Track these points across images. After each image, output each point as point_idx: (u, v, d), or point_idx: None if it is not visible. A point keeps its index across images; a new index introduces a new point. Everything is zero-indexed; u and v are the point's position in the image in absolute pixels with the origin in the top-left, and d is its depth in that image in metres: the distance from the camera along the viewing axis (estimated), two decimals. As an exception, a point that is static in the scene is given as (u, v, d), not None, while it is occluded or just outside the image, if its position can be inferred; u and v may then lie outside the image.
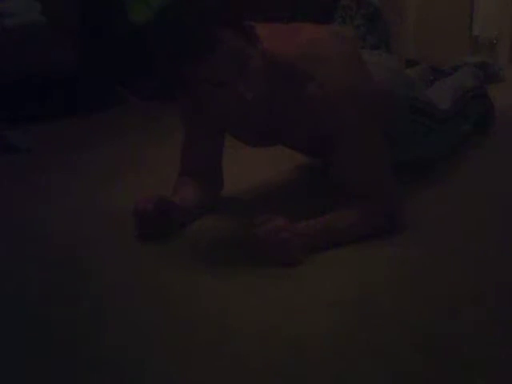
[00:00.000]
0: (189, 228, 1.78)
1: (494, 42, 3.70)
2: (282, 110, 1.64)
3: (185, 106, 1.80)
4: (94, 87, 3.12)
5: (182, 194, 1.80)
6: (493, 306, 1.38)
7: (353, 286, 1.48)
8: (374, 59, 1.91)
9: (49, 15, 2.85)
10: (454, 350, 1.23)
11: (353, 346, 1.25)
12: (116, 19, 3.18)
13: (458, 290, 1.45)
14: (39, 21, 2.83)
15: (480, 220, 1.80)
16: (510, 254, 1.61)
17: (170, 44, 1.49)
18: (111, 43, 3.18)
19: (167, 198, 1.74)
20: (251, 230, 1.55)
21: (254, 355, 1.23)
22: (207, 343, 1.27)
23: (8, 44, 2.76)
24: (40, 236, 1.77)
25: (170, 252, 1.66)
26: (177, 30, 1.48)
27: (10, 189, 2.14)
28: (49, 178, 2.22)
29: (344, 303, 1.40)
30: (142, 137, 2.68)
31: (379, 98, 1.72)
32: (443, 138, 2.13)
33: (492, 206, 1.88)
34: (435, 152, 2.13)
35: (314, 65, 1.61)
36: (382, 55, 2.30)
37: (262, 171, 2.16)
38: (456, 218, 1.81)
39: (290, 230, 1.56)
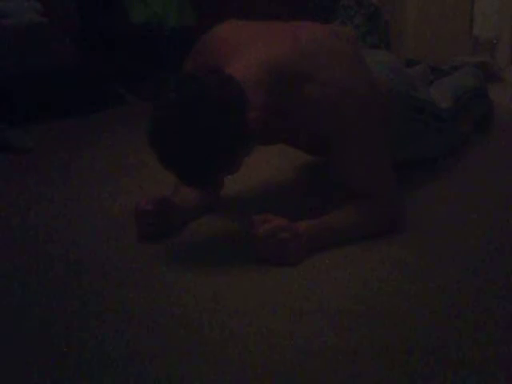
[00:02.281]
0: (189, 228, 1.78)
1: (494, 41, 3.70)
2: (283, 110, 1.64)
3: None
4: (93, 87, 3.12)
5: (182, 194, 1.80)
6: (493, 306, 1.38)
7: (352, 286, 1.48)
8: (375, 57, 1.91)
9: (49, 15, 2.85)
10: (454, 350, 1.23)
11: (352, 346, 1.25)
12: (116, 19, 3.18)
13: (457, 289, 1.45)
14: (39, 21, 2.83)
15: (480, 220, 1.80)
16: (510, 253, 1.61)
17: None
18: (111, 43, 3.18)
19: (167, 198, 1.74)
20: (251, 230, 1.55)
21: (253, 355, 1.23)
22: (207, 343, 1.27)
23: (8, 44, 2.76)
24: (40, 236, 1.77)
25: (169, 252, 1.66)
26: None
27: (10, 189, 2.14)
28: (49, 177, 2.22)
29: (344, 303, 1.40)
30: (141, 137, 2.67)
31: (379, 97, 1.72)
32: (443, 137, 2.13)
33: (492, 205, 1.88)
34: (435, 151, 2.13)
35: (313, 65, 1.61)
36: (383, 53, 2.30)
37: (262, 171, 2.16)
38: (456, 218, 1.81)
39: (290, 230, 1.55)
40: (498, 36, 3.70)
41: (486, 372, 1.17)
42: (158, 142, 1.51)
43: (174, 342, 1.28)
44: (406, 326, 1.32)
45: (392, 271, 1.54)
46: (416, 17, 3.67)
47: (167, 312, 1.39)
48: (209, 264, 1.59)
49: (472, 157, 2.27)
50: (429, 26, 3.63)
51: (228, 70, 1.56)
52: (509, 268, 1.54)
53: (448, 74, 2.53)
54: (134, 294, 1.47)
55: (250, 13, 1.90)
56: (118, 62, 3.21)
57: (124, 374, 1.19)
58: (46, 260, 1.63)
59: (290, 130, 1.72)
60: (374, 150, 1.67)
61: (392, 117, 1.84)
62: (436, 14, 3.65)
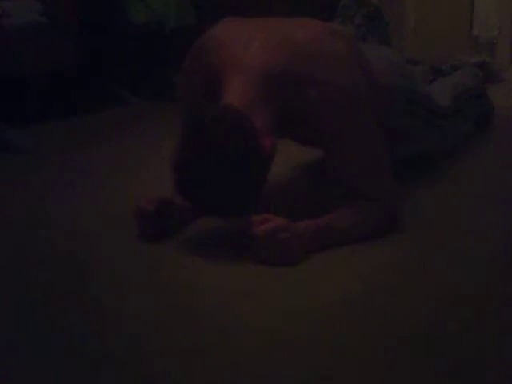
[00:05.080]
0: (189, 228, 1.78)
1: (494, 41, 3.71)
2: (285, 114, 1.64)
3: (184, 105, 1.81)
4: (94, 87, 3.12)
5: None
6: (493, 306, 1.38)
7: (352, 286, 1.48)
8: (375, 52, 1.91)
9: (49, 15, 2.85)
10: (453, 350, 1.23)
11: (352, 346, 1.25)
12: (116, 19, 3.18)
13: (457, 289, 1.45)
14: (39, 21, 2.83)
15: (480, 220, 1.80)
16: (510, 253, 1.61)
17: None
18: (111, 43, 3.19)
19: (167, 198, 1.74)
20: (251, 230, 1.55)
21: (253, 355, 1.23)
22: (207, 343, 1.27)
23: (8, 44, 2.76)
24: (40, 236, 1.77)
25: (170, 252, 1.66)
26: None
27: (10, 189, 2.14)
28: (49, 177, 2.22)
29: (343, 303, 1.40)
30: (141, 137, 2.68)
31: (378, 95, 1.72)
32: (443, 134, 2.13)
33: (492, 205, 1.89)
34: (435, 148, 2.13)
35: (310, 66, 1.61)
36: (383, 48, 2.30)
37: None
38: (456, 218, 1.81)
39: (290, 230, 1.55)
40: (498, 36, 3.71)
41: (486, 372, 1.17)
42: (194, 192, 1.56)
43: (174, 340, 1.29)
44: (405, 325, 1.32)
45: (391, 271, 1.54)
46: (416, 17, 3.67)
47: (167, 312, 1.39)
48: (208, 264, 1.59)
49: (472, 157, 2.27)
50: (429, 26, 3.63)
51: (227, 95, 1.58)
52: (509, 268, 1.54)
53: (448, 73, 2.53)
54: (134, 293, 1.47)
55: (250, 12, 1.90)
56: (117, 62, 3.21)
57: (125, 373, 1.19)
58: (46, 260, 1.63)
59: (290, 127, 1.71)
60: (373, 149, 1.67)
61: (391, 111, 1.84)
62: (436, 13, 3.65)
